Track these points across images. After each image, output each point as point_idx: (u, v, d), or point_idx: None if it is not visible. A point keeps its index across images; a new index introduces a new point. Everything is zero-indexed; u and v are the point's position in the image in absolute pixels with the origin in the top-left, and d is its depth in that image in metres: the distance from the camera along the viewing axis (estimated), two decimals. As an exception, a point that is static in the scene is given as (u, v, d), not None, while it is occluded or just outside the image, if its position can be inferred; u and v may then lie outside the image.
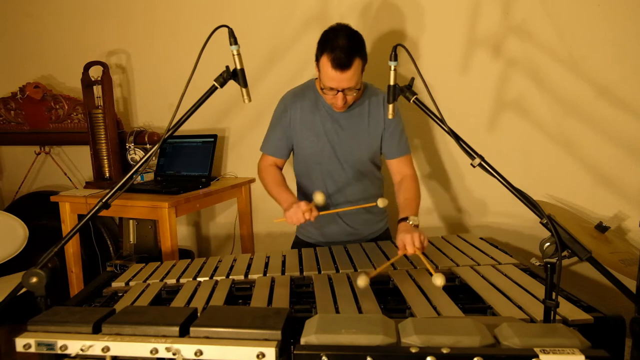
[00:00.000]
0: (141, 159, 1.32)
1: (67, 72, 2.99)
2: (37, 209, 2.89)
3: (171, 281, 1.55)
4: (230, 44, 1.28)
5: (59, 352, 0.93)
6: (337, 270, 1.55)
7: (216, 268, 1.64)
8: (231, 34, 1.27)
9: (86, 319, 0.98)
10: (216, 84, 1.31)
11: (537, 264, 1.33)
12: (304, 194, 1.94)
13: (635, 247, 1.97)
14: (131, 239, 2.76)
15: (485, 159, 1.21)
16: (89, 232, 2.76)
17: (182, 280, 1.55)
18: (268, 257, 1.73)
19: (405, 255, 1.55)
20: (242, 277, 1.54)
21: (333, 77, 1.60)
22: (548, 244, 1.04)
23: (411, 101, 1.31)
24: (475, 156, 1.21)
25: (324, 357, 0.84)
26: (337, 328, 0.90)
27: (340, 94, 1.64)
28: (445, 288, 1.33)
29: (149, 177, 2.71)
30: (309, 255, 1.71)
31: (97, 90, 2.67)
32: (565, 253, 1.05)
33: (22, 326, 0.97)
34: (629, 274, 1.44)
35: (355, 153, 1.84)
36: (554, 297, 1.02)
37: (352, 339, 0.87)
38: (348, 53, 1.56)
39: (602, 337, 1.11)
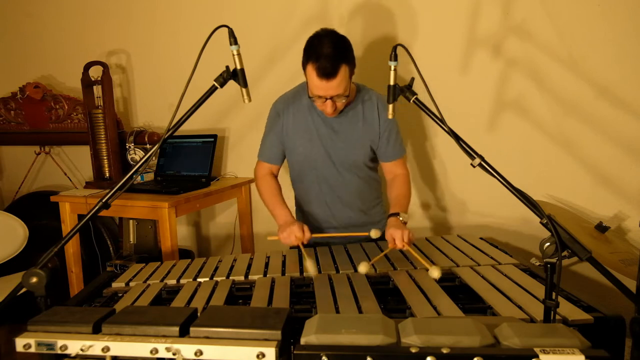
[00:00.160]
0: (141, 159, 1.32)
1: (67, 72, 2.99)
2: (37, 209, 2.89)
3: (171, 281, 1.55)
4: (230, 44, 1.28)
5: (59, 352, 0.93)
6: (337, 271, 1.55)
7: (216, 268, 1.64)
8: (231, 34, 1.27)
9: (86, 319, 0.98)
10: (216, 84, 1.32)
11: (537, 264, 1.33)
12: (300, 201, 1.95)
13: (635, 247, 1.97)
14: (131, 239, 2.76)
15: (485, 159, 1.21)
16: (89, 232, 2.76)
17: (182, 281, 1.55)
18: (268, 257, 1.74)
19: (402, 254, 1.64)
20: (242, 278, 1.54)
21: (319, 86, 1.59)
22: (548, 244, 1.04)
23: (411, 101, 1.31)
24: (475, 156, 1.21)
25: (324, 357, 0.84)
26: (337, 328, 0.90)
27: (329, 101, 1.64)
28: (445, 288, 1.34)
29: (149, 177, 2.71)
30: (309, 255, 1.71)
31: (97, 90, 2.67)
32: (565, 253, 1.05)
33: (22, 326, 0.98)
34: (629, 274, 1.44)
35: (351, 157, 1.82)
36: (554, 297, 1.02)
37: (352, 339, 0.87)
38: (333, 61, 1.54)
39: (602, 337, 1.11)
